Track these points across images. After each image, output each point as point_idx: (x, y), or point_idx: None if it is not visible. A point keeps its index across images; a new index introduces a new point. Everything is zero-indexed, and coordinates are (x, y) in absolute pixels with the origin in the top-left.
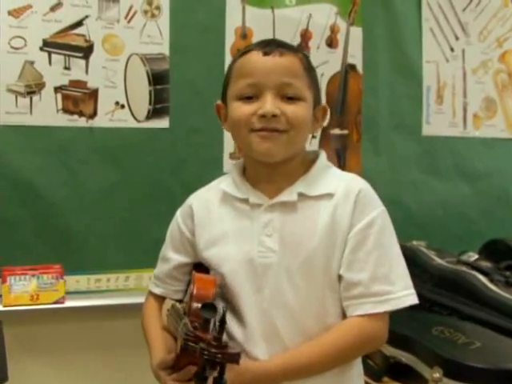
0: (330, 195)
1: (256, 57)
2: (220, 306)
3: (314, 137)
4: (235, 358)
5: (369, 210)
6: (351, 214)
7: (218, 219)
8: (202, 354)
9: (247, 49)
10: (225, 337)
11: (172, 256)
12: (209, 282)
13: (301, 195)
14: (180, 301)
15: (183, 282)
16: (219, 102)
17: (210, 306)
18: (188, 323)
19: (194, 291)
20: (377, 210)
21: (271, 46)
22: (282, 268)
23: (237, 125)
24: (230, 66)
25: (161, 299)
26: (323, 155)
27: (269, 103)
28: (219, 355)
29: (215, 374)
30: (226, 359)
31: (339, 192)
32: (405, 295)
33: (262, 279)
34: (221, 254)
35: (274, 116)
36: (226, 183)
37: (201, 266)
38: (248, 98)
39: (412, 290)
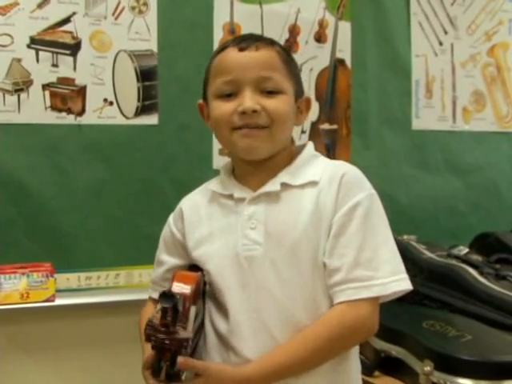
0: (314, 183)
1: (232, 53)
2: (189, 304)
3: (303, 132)
4: (183, 344)
5: (353, 193)
6: (335, 198)
7: (206, 219)
8: (150, 341)
9: (223, 46)
10: (211, 336)
11: (165, 259)
12: (188, 278)
13: (284, 185)
14: None
15: None
16: (201, 101)
17: (168, 296)
18: (156, 316)
19: (172, 287)
20: (363, 193)
21: (247, 41)
22: (267, 260)
23: (218, 124)
24: (208, 64)
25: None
26: (310, 145)
27: (248, 99)
28: (166, 341)
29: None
30: (174, 345)
31: (323, 179)
32: (391, 281)
33: (247, 273)
34: (208, 251)
35: (255, 112)
36: (214, 183)
37: (195, 268)
38: (227, 96)
39: (401, 276)
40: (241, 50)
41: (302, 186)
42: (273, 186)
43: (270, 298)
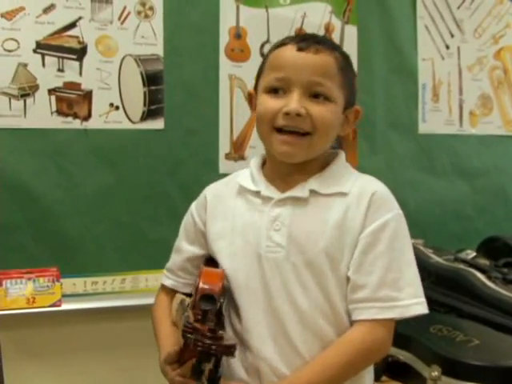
0: (343, 194)
1: (290, 51)
2: (221, 298)
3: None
4: (230, 351)
5: (383, 212)
6: (364, 214)
7: (230, 212)
8: (196, 345)
9: (283, 41)
10: (230, 333)
11: (185, 247)
12: (215, 276)
13: (313, 192)
14: (190, 295)
15: (194, 276)
16: (252, 89)
17: (209, 298)
18: (191, 316)
19: (200, 284)
20: (391, 213)
21: (308, 41)
22: (289, 264)
23: (261, 119)
24: (265, 57)
25: (172, 293)
26: (342, 155)
27: (294, 101)
28: (213, 346)
29: (211, 366)
30: (220, 351)
31: (353, 192)
32: (412, 304)
33: (269, 274)
34: (228, 247)
35: (299, 115)
36: (243, 176)
37: (212, 260)
38: (276, 92)
39: (421, 299)
40: (299, 49)
41: (331, 196)
42: (302, 191)
43: (289, 300)
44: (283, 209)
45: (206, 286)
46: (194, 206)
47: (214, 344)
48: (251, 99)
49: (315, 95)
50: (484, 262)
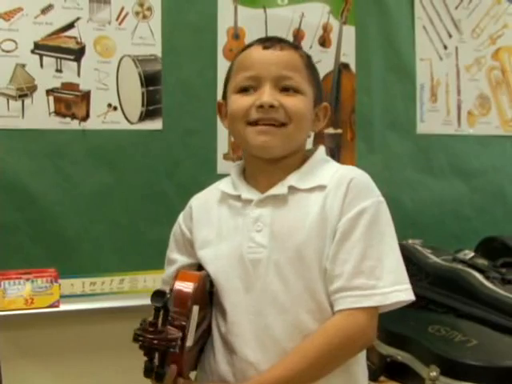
0: (322, 187)
1: (256, 51)
2: (190, 303)
3: (308, 136)
4: (172, 344)
5: (361, 199)
6: (341, 203)
7: (214, 219)
8: (138, 340)
9: (248, 45)
10: (216, 337)
11: (176, 257)
12: (191, 277)
13: (292, 188)
14: None
15: None
16: (221, 100)
17: (160, 294)
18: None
19: (174, 285)
20: (371, 200)
21: (271, 41)
22: (271, 263)
23: (234, 117)
24: (231, 63)
25: None
26: (321, 149)
27: (266, 94)
28: (155, 341)
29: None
30: (162, 345)
31: (332, 183)
32: (393, 291)
33: (252, 276)
34: (213, 252)
35: (272, 107)
36: (225, 183)
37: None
38: (246, 91)
39: (404, 286)
40: (265, 48)
41: (310, 190)
42: (280, 188)
43: (273, 301)
44: (264, 209)
45: (178, 288)
46: (181, 217)
47: (155, 338)
48: (220, 109)
49: (285, 89)
50: (482, 262)
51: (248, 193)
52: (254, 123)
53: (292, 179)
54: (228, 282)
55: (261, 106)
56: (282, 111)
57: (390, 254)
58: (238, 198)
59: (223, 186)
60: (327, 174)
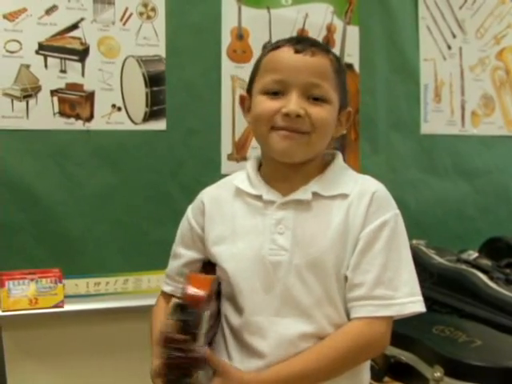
0: (344, 195)
1: (287, 53)
2: (203, 310)
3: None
4: (200, 365)
5: (382, 212)
6: (364, 214)
7: (229, 215)
8: (165, 357)
9: (278, 44)
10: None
11: (183, 252)
12: (203, 282)
13: (315, 194)
14: None
15: None
16: (244, 93)
17: (184, 307)
18: (169, 324)
19: (187, 291)
20: (390, 213)
21: (304, 43)
22: (292, 266)
23: (258, 120)
24: (259, 59)
25: (170, 299)
26: (340, 157)
27: (294, 102)
28: (183, 360)
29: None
30: (191, 364)
31: (354, 192)
32: (408, 302)
33: (272, 278)
34: (230, 250)
35: (298, 116)
36: (240, 179)
37: (209, 265)
38: (273, 94)
39: (418, 297)
40: (296, 51)
41: (333, 198)
42: (304, 194)
43: (293, 303)
44: (286, 212)
45: (192, 293)
46: (190, 211)
47: (184, 357)
48: (243, 102)
49: (312, 97)
50: (486, 262)
51: (269, 194)
52: (278, 128)
53: (315, 185)
54: (246, 282)
55: (287, 115)
56: (307, 120)
57: (407, 267)
58: (259, 197)
59: (239, 182)
60: (348, 182)
